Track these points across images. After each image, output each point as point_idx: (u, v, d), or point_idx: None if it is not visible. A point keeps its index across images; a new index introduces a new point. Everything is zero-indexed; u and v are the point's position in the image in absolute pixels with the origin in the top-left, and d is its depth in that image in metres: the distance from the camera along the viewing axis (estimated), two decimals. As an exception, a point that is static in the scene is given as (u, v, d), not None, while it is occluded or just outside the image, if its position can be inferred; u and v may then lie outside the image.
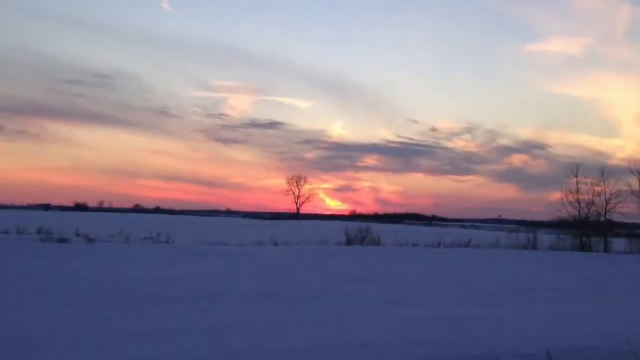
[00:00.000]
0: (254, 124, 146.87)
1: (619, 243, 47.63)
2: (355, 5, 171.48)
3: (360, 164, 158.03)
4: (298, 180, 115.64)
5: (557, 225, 50.86)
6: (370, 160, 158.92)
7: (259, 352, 7.86)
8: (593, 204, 48.15)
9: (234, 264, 23.98)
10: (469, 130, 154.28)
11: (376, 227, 47.90)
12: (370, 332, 9.70)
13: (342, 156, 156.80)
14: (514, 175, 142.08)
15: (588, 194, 48.23)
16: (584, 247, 46.09)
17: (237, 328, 9.89)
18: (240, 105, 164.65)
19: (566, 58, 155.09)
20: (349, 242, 40.67)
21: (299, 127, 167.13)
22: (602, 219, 48.35)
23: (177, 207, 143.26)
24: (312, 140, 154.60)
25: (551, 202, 57.29)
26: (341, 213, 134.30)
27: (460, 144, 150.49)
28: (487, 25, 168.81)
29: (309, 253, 31.59)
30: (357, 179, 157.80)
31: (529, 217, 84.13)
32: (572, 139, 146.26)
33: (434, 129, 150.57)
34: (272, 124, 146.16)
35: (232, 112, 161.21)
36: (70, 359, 7.50)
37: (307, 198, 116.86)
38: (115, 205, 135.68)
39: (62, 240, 31.62)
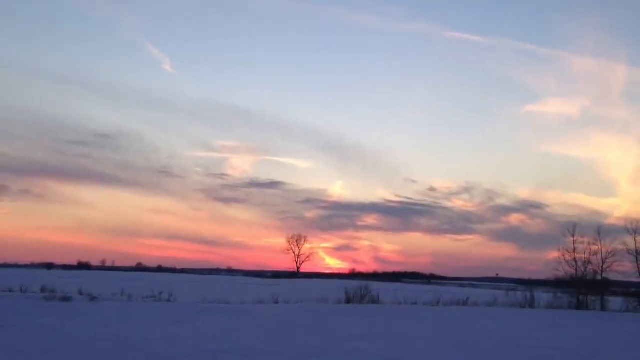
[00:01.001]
0: (255, 184, 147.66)
1: (615, 302, 47.25)
2: (355, 67, 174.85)
3: (359, 223, 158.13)
4: (298, 240, 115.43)
5: (554, 284, 50.54)
6: (370, 219, 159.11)
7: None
8: (590, 262, 47.99)
9: (235, 322, 23.78)
10: (467, 190, 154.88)
11: (375, 286, 47.64)
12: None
13: (341, 216, 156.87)
14: (511, 235, 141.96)
15: (585, 253, 48.13)
16: (580, 306, 45.72)
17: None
18: (241, 166, 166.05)
19: (563, 119, 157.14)
20: (348, 300, 40.36)
21: (299, 187, 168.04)
22: (599, 277, 48.08)
23: (178, 266, 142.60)
24: (312, 200, 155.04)
25: (548, 260, 57.17)
26: (341, 272, 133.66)
27: (458, 203, 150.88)
28: (485, 86, 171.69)
29: (309, 311, 31.33)
30: (356, 238, 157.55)
31: (526, 276, 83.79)
32: (569, 199, 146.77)
33: (432, 189, 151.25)
34: (273, 184, 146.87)
35: (233, 172, 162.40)
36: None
37: (308, 257, 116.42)
38: (117, 264, 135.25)
39: (65, 298, 31.41)
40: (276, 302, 37.43)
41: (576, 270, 48.01)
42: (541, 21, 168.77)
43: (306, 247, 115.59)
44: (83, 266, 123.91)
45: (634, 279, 48.61)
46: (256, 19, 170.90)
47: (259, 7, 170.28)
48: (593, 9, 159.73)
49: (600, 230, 48.19)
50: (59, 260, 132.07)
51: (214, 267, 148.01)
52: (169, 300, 35.05)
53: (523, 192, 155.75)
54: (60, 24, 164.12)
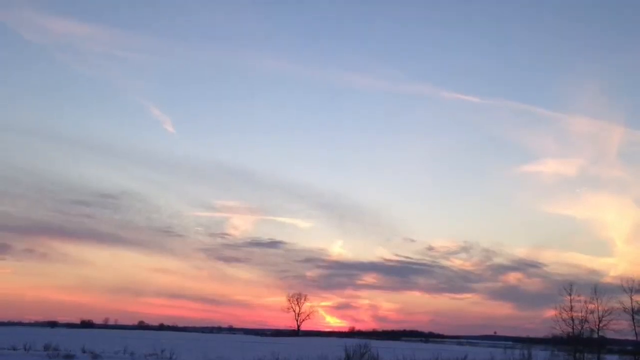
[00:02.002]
0: (256, 243, 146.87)
1: (612, 360, 46.69)
2: (354, 127, 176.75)
3: (359, 282, 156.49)
4: (299, 298, 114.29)
5: (551, 342, 50.04)
6: (369, 278, 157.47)
7: None
8: (586, 321, 47.57)
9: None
10: (466, 249, 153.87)
11: (375, 344, 47.07)
12: None
13: (341, 274, 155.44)
14: (509, 293, 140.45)
15: (582, 312, 47.78)
16: (578, 364, 45.14)
17: None
18: (242, 225, 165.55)
19: (561, 179, 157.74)
20: (348, 358, 39.82)
21: (299, 246, 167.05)
22: (596, 335, 47.60)
23: (180, 324, 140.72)
24: (313, 259, 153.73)
25: (546, 319, 56.68)
26: (341, 330, 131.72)
27: (456, 262, 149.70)
28: (483, 146, 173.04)
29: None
30: (356, 297, 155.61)
31: (524, 334, 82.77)
32: (566, 258, 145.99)
33: (431, 248, 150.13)
34: (274, 243, 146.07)
35: (234, 232, 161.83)
36: None
37: (308, 315, 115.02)
38: (120, 322, 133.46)
39: (69, 356, 31.17)
40: (276, 360, 36.97)
41: (573, 328, 47.57)
42: (539, 83, 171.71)
43: (306, 305, 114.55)
44: (86, 324, 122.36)
45: (630, 338, 48.14)
46: (256, 81, 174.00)
47: (258, 70, 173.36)
48: (590, 71, 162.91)
49: (597, 289, 47.97)
50: (62, 318, 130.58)
51: (216, 325, 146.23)
52: (170, 358, 34.71)
53: (521, 251, 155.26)
54: (64, 86, 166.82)
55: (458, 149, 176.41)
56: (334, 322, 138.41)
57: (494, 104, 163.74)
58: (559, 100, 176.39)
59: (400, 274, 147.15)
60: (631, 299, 46.51)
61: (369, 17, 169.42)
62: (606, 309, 46.94)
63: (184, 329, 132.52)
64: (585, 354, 46.38)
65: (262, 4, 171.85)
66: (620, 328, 47.17)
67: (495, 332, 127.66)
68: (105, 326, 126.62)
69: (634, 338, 47.19)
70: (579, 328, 47.58)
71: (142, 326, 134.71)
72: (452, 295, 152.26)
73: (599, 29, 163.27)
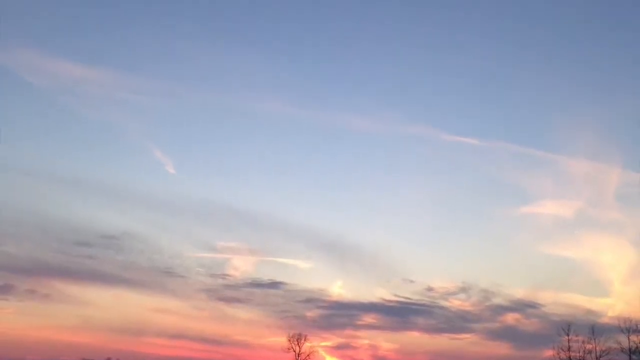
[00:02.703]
0: (256, 284, 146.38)
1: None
2: (353, 169, 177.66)
3: (359, 322, 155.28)
4: (299, 338, 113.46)
5: (550, 382, 49.89)
6: (369, 318, 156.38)
7: None
8: (584, 361, 47.57)
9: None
10: (464, 289, 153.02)
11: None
12: None
13: (341, 315, 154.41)
14: (507, 334, 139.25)
15: (579, 352, 47.96)
16: (577, 404, 44.98)
17: None
18: (242, 266, 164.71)
19: (559, 220, 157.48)
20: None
21: (299, 286, 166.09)
22: (593, 376, 47.54)
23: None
24: (313, 300, 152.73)
25: (544, 359, 56.56)
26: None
27: (455, 303, 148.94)
28: (482, 188, 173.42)
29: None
30: (356, 337, 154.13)
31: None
32: (563, 298, 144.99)
33: (430, 289, 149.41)
34: (274, 284, 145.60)
35: (235, 273, 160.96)
36: None
37: (308, 355, 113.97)
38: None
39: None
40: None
41: (571, 368, 47.54)
42: (537, 125, 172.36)
43: (306, 345, 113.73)
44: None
45: (628, 378, 48.06)
46: (256, 123, 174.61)
47: (259, 112, 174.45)
48: (588, 113, 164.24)
49: (595, 329, 48.26)
50: (64, 358, 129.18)
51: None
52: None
53: (519, 292, 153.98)
54: (66, 128, 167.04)
55: (457, 190, 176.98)
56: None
57: (492, 146, 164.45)
58: (557, 142, 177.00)
59: (399, 314, 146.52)
60: (628, 339, 46.78)
61: (368, 60, 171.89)
62: (604, 349, 47.20)
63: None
64: (584, 394, 46.27)
65: (263, 47, 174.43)
66: (617, 368, 47.15)
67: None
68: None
69: (632, 378, 47.17)
70: (577, 368, 47.59)
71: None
72: (451, 335, 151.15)
73: (597, 72, 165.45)
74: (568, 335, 47.79)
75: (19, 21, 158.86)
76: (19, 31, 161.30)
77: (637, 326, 46.80)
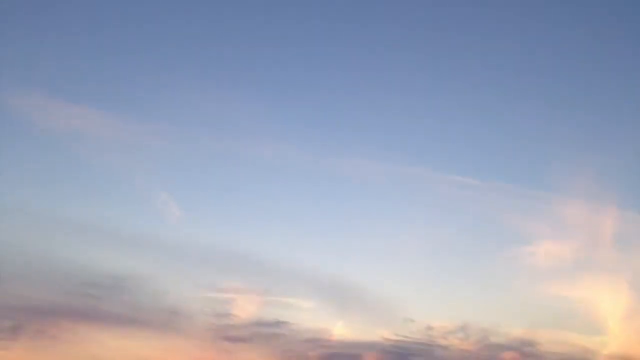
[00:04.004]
0: (260, 324, 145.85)
1: None
2: (353, 210, 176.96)
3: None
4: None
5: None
6: (370, 358, 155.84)
7: None
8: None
9: None
10: (463, 328, 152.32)
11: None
12: None
13: (343, 355, 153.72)
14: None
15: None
16: None
17: None
18: (247, 306, 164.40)
19: (555, 261, 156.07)
20: None
21: (302, 326, 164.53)
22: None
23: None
24: (315, 340, 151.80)
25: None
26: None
27: (454, 342, 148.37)
28: (480, 229, 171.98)
29: None
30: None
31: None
32: (561, 337, 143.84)
33: (429, 328, 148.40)
34: (277, 324, 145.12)
35: (240, 313, 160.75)
36: None
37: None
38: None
39: None
40: None
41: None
42: (533, 166, 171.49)
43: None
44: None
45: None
46: (260, 168, 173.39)
47: (262, 156, 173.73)
48: (586, 154, 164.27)
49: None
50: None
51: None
52: None
53: (517, 331, 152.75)
54: (73, 172, 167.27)
55: (456, 231, 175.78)
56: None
57: (491, 187, 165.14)
58: (555, 183, 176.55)
59: (400, 354, 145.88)
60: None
61: (367, 104, 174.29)
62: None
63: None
64: None
65: (268, 94, 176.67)
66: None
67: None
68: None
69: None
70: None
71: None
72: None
73: (596, 115, 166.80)
74: (565, 374, 48.37)
75: (27, 64, 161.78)
76: (26, 74, 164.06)
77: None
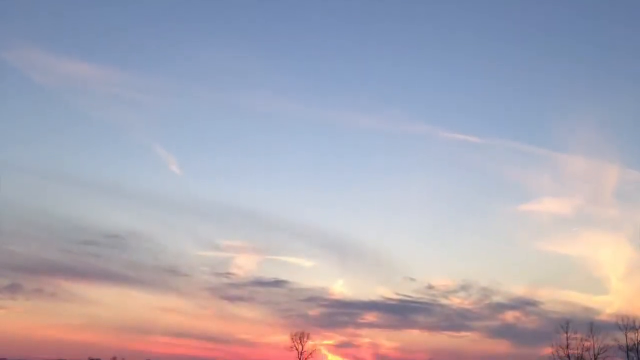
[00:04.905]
0: (260, 283, 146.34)
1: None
2: (355, 167, 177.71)
3: (360, 320, 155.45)
4: (301, 337, 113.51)
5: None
6: (370, 317, 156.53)
7: None
8: (582, 358, 47.76)
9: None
10: (464, 287, 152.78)
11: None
12: None
13: (343, 313, 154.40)
14: (507, 331, 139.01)
15: (578, 349, 47.96)
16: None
17: None
18: (246, 265, 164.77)
19: (557, 218, 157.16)
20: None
21: (302, 285, 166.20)
22: (591, 373, 47.55)
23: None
24: (315, 298, 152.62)
25: (543, 356, 56.64)
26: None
27: (455, 301, 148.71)
28: (481, 186, 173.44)
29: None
30: (357, 335, 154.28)
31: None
32: (562, 296, 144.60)
33: (430, 287, 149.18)
34: (277, 283, 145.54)
35: (239, 271, 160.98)
36: None
37: (310, 354, 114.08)
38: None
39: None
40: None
41: (569, 366, 47.55)
42: (536, 123, 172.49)
43: (309, 344, 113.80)
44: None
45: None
46: (259, 122, 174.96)
47: (262, 111, 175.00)
48: (587, 111, 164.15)
49: (593, 326, 48.26)
50: (70, 357, 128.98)
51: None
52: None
53: (518, 290, 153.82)
54: (72, 127, 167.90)
55: (457, 188, 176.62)
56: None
57: (492, 144, 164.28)
58: (556, 140, 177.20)
59: (400, 312, 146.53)
60: (626, 336, 46.79)
61: (369, 58, 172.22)
62: (602, 346, 47.15)
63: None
64: (582, 392, 46.29)
65: (266, 46, 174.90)
66: (615, 366, 47.12)
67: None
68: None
69: (629, 375, 47.17)
70: (576, 366, 47.60)
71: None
72: (451, 333, 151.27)
73: (595, 70, 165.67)
74: (567, 332, 47.89)
75: (25, 21, 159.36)
76: (24, 30, 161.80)
77: (634, 323, 46.83)
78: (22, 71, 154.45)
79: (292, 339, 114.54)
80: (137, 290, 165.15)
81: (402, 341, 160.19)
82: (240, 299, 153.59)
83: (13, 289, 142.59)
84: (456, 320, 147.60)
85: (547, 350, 49.90)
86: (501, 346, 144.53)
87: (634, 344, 46.71)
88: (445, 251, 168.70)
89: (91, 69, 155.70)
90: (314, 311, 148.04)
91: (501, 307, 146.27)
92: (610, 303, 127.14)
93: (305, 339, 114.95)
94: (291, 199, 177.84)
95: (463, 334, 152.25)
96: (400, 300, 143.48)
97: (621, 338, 46.84)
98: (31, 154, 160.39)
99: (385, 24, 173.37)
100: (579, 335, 47.85)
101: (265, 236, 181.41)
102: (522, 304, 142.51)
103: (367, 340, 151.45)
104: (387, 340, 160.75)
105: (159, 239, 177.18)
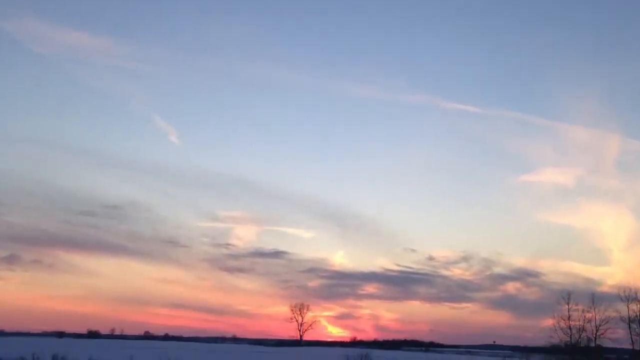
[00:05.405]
0: (259, 254, 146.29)
1: (608, 368, 46.60)
2: (356, 138, 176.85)
3: (360, 292, 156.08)
4: (301, 308, 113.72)
5: (549, 351, 49.92)
6: (370, 288, 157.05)
7: None
8: (584, 330, 47.56)
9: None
10: (465, 258, 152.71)
11: (376, 354, 47.06)
12: None
13: (343, 284, 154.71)
14: (508, 302, 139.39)
15: (579, 321, 47.72)
16: (575, 372, 45.00)
17: None
18: (245, 235, 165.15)
19: (559, 188, 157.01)
20: (349, 368, 39.81)
21: (302, 256, 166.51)
22: (593, 344, 47.53)
23: (185, 334, 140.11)
24: (315, 269, 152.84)
25: (544, 328, 56.52)
26: (342, 340, 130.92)
27: (456, 272, 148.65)
28: (483, 156, 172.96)
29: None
30: (357, 307, 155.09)
31: (522, 343, 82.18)
32: (563, 267, 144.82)
33: (431, 258, 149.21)
34: (277, 254, 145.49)
35: (238, 242, 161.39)
36: None
37: (310, 325, 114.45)
38: (126, 332, 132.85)
39: (76, 366, 31.08)
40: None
41: (570, 337, 47.54)
42: (537, 93, 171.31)
43: (309, 315, 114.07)
44: (93, 334, 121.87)
45: (627, 346, 48.02)
46: (260, 92, 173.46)
47: (262, 81, 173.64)
48: (588, 81, 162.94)
49: (594, 298, 48.00)
50: (69, 328, 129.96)
51: (219, 335, 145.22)
52: (176, 368, 34.65)
53: (519, 261, 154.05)
54: (72, 97, 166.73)
55: (458, 158, 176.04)
56: (335, 332, 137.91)
57: (493, 114, 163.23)
58: (557, 110, 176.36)
59: (400, 283, 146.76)
60: (628, 307, 46.49)
61: (370, 28, 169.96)
62: (603, 317, 46.97)
63: (189, 339, 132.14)
64: (583, 363, 46.32)
65: (267, 15, 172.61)
66: (616, 337, 47.19)
67: (494, 342, 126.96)
68: (111, 336, 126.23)
69: (631, 346, 47.10)
70: (577, 337, 47.60)
71: (147, 336, 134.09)
72: (452, 304, 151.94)
73: (597, 40, 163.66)
74: (568, 304, 47.52)
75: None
76: (24, 0, 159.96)
77: (636, 295, 46.49)
78: (22, 41, 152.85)
79: (292, 310, 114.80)
80: (136, 261, 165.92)
81: (403, 312, 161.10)
82: (239, 270, 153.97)
83: (11, 260, 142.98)
84: (457, 291, 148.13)
85: (548, 322, 49.65)
86: (502, 317, 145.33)
87: (636, 316, 46.48)
88: (446, 222, 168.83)
89: (91, 39, 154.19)
90: (314, 282, 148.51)
91: (502, 279, 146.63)
92: (612, 274, 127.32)
93: (305, 310, 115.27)
94: (291, 170, 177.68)
95: (464, 305, 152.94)
96: (401, 272, 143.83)
97: (623, 309, 46.59)
98: (30, 125, 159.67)
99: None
100: (580, 307, 47.57)
101: (265, 207, 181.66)
102: (523, 275, 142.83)
103: (367, 311, 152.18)
104: (388, 311, 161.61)
105: (158, 210, 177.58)
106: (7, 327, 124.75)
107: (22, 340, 77.49)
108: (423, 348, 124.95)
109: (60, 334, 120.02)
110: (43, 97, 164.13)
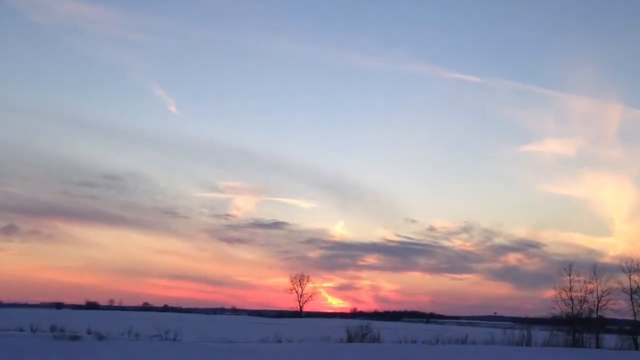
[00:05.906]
0: (259, 224, 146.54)
1: (610, 339, 46.86)
2: (355, 108, 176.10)
3: (360, 262, 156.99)
4: (301, 279, 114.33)
5: (550, 322, 50.13)
6: (371, 259, 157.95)
7: None
8: (585, 301, 47.63)
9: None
10: (466, 229, 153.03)
11: (376, 325, 47.24)
12: None
13: (343, 255, 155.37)
14: (509, 274, 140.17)
15: (581, 292, 47.78)
16: (576, 344, 45.23)
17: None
18: (245, 206, 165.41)
19: (560, 158, 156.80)
20: (350, 339, 40.01)
21: (302, 227, 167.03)
22: (594, 315, 47.70)
23: (184, 305, 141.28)
24: (315, 240, 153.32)
25: (545, 299, 56.69)
26: (343, 311, 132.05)
27: (457, 243, 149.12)
28: (483, 126, 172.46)
29: (311, 350, 31.05)
30: (357, 278, 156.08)
31: (523, 314, 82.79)
32: (565, 238, 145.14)
33: (432, 229, 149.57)
34: (276, 224, 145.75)
35: (238, 213, 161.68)
36: None
37: (310, 296, 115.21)
38: (125, 303, 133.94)
39: (75, 338, 31.18)
40: (279, 341, 37.11)
41: (572, 308, 47.64)
42: (538, 62, 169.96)
43: (309, 286, 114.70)
44: (91, 306, 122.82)
45: (628, 317, 48.17)
46: (259, 62, 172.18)
47: (261, 51, 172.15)
48: (589, 50, 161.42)
49: (596, 269, 47.96)
50: (67, 299, 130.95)
51: (219, 306, 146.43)
52: (174, 340, 34.81)
53: (520, 232, 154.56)
54: (70, 67, 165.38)
55: (458, 129, 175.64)
56: (336, 303, 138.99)
57: (493, 84, 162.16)
58: (558, 79, 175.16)
59: (401, 254, 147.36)
60: (630, 278, 46.48)
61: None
62: (605, 288, 47.02)
63: (188, 310, 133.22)
64: (584, 334, 46.53)
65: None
66: (618, 308, 47.26)
67: (495, 313, 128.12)
68: (110, 307, 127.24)
69: (632, 318, 47.26)
70: (578, 308, 47.70)
71: (146, 307, 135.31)
72: (453, 275, 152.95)
73: (598, 8, 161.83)
74: (569, 275, 47.56)
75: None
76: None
77: (638, 266, 46.49)
78: (21, 10, 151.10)
79: (292, 281, 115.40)
80: (135, 232, 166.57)
81: (403, 283, 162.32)
82: (239, 240, 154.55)
83: (9, 231, 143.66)
84: (457, 262, 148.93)
85: (550, 293, 49.76)
86: (503, 288, 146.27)
87: (638, 287, 46.53)
88: (447, 193, 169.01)
89: (90, 9, 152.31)
90: (314, 253, 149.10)
91: (503, 249, 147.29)
92: (613, 245, 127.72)
93: (305, 281, 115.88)
94: (290, 140, 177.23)
95: (465, 276, 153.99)
96: (401, 242, 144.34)
97: (625, 280, 46.61)
98: (29, 94, 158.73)
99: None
100: (582, 278, 47.58)
101: (265, 177, 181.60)
102: (525, 246, 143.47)
103: (367, 282, 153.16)
104: (388, 282, 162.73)
105: (157, 180, 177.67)
106: (5, 298, 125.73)
107: (20, 312, 78.01)
108: (423, 319, 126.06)
109: (59, 305, 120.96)
110: (42, 67, 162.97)
